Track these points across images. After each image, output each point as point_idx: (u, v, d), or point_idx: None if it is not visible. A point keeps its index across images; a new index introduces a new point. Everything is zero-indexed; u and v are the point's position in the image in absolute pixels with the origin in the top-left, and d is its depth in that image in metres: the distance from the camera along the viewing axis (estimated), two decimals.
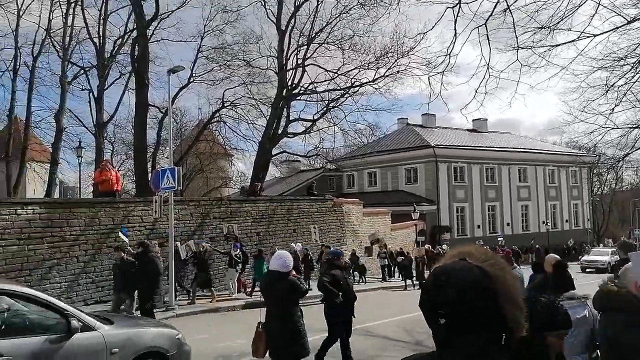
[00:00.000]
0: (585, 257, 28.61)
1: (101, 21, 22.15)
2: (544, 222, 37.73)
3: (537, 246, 30.72)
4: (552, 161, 39.81)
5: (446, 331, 1.13)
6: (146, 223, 13.43)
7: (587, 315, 3.50)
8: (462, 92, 65.42)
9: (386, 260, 20.77)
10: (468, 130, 39.65)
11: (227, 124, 23.96)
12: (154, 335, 5.44)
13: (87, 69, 22.96)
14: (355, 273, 18.08)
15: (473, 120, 39.36)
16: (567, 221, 41.25)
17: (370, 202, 27.15)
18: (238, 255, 13.99)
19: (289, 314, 4.93)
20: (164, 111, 22.20)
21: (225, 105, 23.12)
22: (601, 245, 37.73)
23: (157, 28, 21.84)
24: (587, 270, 25.78)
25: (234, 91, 23.54)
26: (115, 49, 22.71)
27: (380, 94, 23.41)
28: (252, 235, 16.93)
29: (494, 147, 36.72)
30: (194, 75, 22.88)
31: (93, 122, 23.08)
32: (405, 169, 34.74)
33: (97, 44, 22.31)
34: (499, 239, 29.14)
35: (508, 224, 36.46)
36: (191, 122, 31.08)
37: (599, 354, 3.39)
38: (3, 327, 4.19)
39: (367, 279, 19.95)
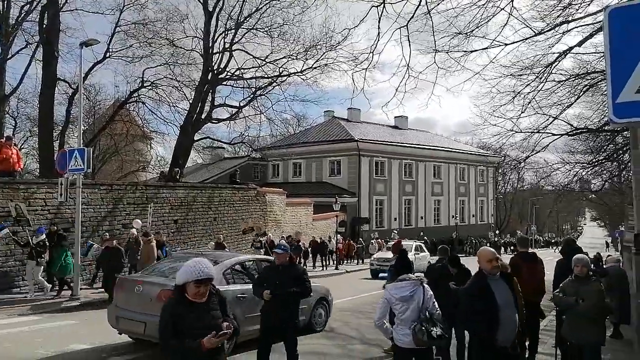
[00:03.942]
0: (379, 255, 21.12)
1: None
2: (453, 216, 40.37)
3: (425, 238, 32.64)
4: (463, 160, 42.64)
5: None
6: (50, 207, 12.40)
7: (417, 294, 4.20)
8: (386, 90, 67.56)
9: (262, 250, 17.31)
10: (390, 126, 41.18)
11: (147, 104, 22.73)
12: (322, 288, 8.78)
13: None
14: None
15: (395, 117, 40.89)
16: (473, 216, 44.49)
17: (294, 192, 27.32)
18: (42, 243, 10.95)
19: None
20: (75, 87, 20.51)
21: (145, 85, 21.89)
22: (394, 234, 27.88)
23: None
24: (379, 275, 18.33)
25: (155, 70, 22.43)
26: (22, 15, 20.53)
27: (308, 85, 23.57)
28: (169, 223, 16.31)
29: (412, 144, 38.48)
30: (110, 50, 21.39)
31: None
32: (330, 161, 35.34)
33: (1, 9, 20.02)
34: (393, 231, 30.52)
35: (422, 217, 38.53)
36: (106, 100, 29.08)
37: (424, 326, 4.08)
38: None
39: None
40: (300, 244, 20.31)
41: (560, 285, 5.31)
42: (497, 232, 43.10)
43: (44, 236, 11.01)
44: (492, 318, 3.99)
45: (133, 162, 31.85)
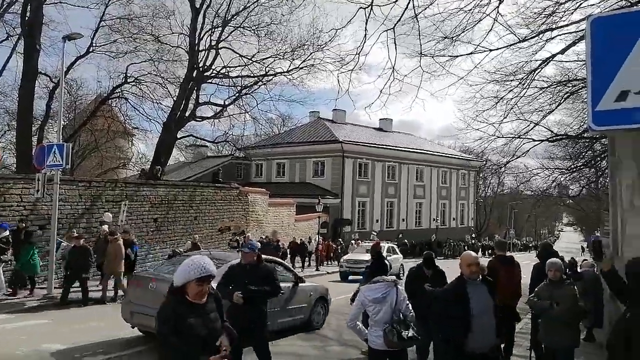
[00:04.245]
0: (349, 256, 20.13)
1: None
2: (434, 219, 40.75)
3: (404, 241, 32.84)
4: (446, 163, 43.08)
5: None
6: (26, 203, 12.09)
7: (390, 295, 4.25)
8: (371, 91, 67.85)
9: (238, 250, 17.63)
10: (375, 128, 41.36)
11: (129, 101, 22.33)
12: (322, 287, 9.48)
13: None
14: None
15: (380, 119, 41.13)
16: (454, 219, 44.98)
17: (277, 192, 27.22)
18: (5, 240, 10.37)
19: None
20: (56, 81, 20.06)
21: (128, 80, 21.52)
22: (373, 236, 27.51)
23: None
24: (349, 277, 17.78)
25: (139, 67, 22.05)
26: (4, 7, 20.00)
27: (294, 85, 23.54)
28: (148, 222, 16.08)
29: (396, 146, 38.72)
30: (94, 45, 20.96)
31: None
32: (314, 162, 35.31)
33: None
34: (372, 232, 30.56)
35: (404, 220, 38.80)
36: (88, 95, 28.48)
37: (395, 327, 4.14)
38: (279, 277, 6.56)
39: None
40: (279, 244, 20.18)
41: (535, 289, 5.38)
42: (474, 235, 43.59)
43: (7, 232, 10.46)
44: (465, 325, 3.92)
45: (113, 158, 31.30)
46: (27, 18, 17.96)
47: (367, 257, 17.89)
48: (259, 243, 13.39)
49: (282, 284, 7.32)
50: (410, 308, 4.34)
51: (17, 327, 8.16)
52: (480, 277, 4.20)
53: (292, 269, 9.85)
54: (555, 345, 5.05)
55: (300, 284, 8.59)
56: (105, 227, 12.66)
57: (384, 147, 37.28)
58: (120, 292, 11.15)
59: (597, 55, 2.29)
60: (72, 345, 7.07)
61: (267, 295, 5.44)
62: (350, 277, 17.54)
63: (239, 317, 4.98)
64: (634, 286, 3.20)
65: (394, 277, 4.67)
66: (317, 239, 23.87)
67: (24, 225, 11.39)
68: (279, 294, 5.84)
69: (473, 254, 4.44)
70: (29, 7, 17.99)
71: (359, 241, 27.24)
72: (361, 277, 16.06)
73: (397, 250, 21.89)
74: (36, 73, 18.57)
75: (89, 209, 13.92)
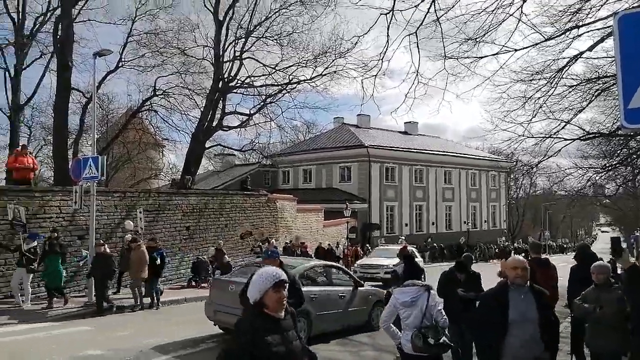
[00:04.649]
0: (363, 261, 19.74)
1: None
2: (465, 222, 40.06)
3: (434, 244, 32.32)
4: (475, 165, 42.34)
5: None
6: (65, 214, 12.58)
7: (420, 300, 4.19)
8: (395, 96, 67.54)
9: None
10: (400, 132, 41.08)
11: (159, 113, 23.01)
12: (380, 292, 9.88)
13: (2, 46, 21.01)
14: (217, 272, 15.38)
15: (405, 123, 40.84)
16: (485, 221, 44.10)
17: (305, 198, 27.34)
18: (33, 250, 10.62)
19: None
20: (88, 96, 20.85)
21: (157, 93, 22.18)
22: (401, 240, 27.08)
23: (84, 8, 20.51)
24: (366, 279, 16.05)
25: (167, 79, 22.71)
26: (37, 26, 20.98)
27: (318, 92, 23.70)
28: (181, 230, 16.43)
29: (423, 149, 38.35)
30: (123, 60, 21.73)
31: (8, 103, 21.22)
32: (340, 167, 35.33)
33: (16, 20, 20.48)
34: (400, 237, 29.86)
35: (433, 223, 38.29)
36: (119, 109, 29.46)
37: (422, 332, 4.08)
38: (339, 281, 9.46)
39: None
40: (306, 249, 19.93)
41: (583, 293, 5.21)
42: (504, 237, 42.51)
43: (35, 243, 10.64)
44: (502, 331, 3.76)
45: (145, 169, 32.16)
46: (58, 36, 18.75)
47: (385, 261, 17.27)
48: (278, 249, 13.56)
49: (343, 288, 9.15)
50: (443, 314, 4.28)
51: (59, 334, 8.49)
52: (528, 284, 3.92)
53: (352, 274, 10.97)
54: (600, 350, 4.87)
55: (359, 288, 9.54)
56: (128, 236, 13.02)
57: (411, 150, 36.99)
58: (148, 299, 11.44)
59: (626, 53, 2.27)
60: (112, 350, 7.30)
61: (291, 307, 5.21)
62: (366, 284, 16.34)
63: None
64: None
65: (425, 282, 4.64)
66: (345, 243, 23.78)
67: (55, 235, 11.28)
68: (302, 305, 5.52)
69: (521, 258, 4.24)
70: (60, 25, 18.77)
71: (387, 245, 26.73)
72: (380, 283, 15.47)
73: (417, 254, 20.18)
74: (69, 89, 19.32)
75: (125, 219, 14.35)
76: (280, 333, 2.62)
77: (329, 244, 23.42)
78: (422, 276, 7.83)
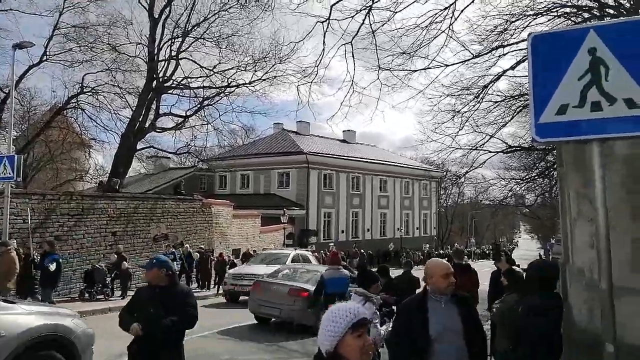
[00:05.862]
0: (237, 270, 15.99)
1: None
2: (398, 229, 41.35)
3: (361, 250, 33.09)
4: (408, 174, 43.93)
5: None
6: None
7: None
8: (334, 104, 68.68)
9: (176, 264, 14.82)
10: (339, 140, 41.74)
11: (86, 111, 21.65)
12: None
13: None
14: (117, 282, 14.23)
15: (343, 131, 41.60)
16: (417, 228, 45.80)
17: (242, 204, 26.92)
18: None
19: None
20: (6, 91, 19.25)
21: (84, 90, 20.90)
22: (331, 246, 25.91)
23: None
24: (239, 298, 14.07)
25: (96, 76, 21.45)
26: None
27: (257, 97, 23.54)
28: (106, 235, 15.54)
29: (360, 158, 39.19)
30: (48, 53, 20.27)
31: None
32: (279, 173, 35.21)
33: None
34: (330, 244, 29.66)
35: (368, 230, 39.16)
36: (42, 105, 27.47)
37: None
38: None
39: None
40: (224, 255, 18.56)
41: (504, 296, 5.49)
42: (429, 245, 44.31)
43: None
44: (421, 350, 3.15)
45: (70, 170, 30.15)
46: None
47: (263, 270, 13.55)
48: (165, 256, 10.47)
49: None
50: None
51: None
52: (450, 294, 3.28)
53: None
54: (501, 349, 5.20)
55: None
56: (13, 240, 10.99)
57: (349, 158, 37.66)
58: None
59: (537, 71, 2.42)
60: None
61: (175, 327, 3.79)
62: (242, 298, 13.38)
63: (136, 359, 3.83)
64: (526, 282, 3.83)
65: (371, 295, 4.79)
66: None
67: None
68: (193, 326, 4.00)
69: (443, 261, 3.53)
70: None
71: (315, 252, 22.59)
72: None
73: (310, 258, 17.06)
74: None
75: (43, 223, 13.33)
76: None
77: (255, 250, 21.97)
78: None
